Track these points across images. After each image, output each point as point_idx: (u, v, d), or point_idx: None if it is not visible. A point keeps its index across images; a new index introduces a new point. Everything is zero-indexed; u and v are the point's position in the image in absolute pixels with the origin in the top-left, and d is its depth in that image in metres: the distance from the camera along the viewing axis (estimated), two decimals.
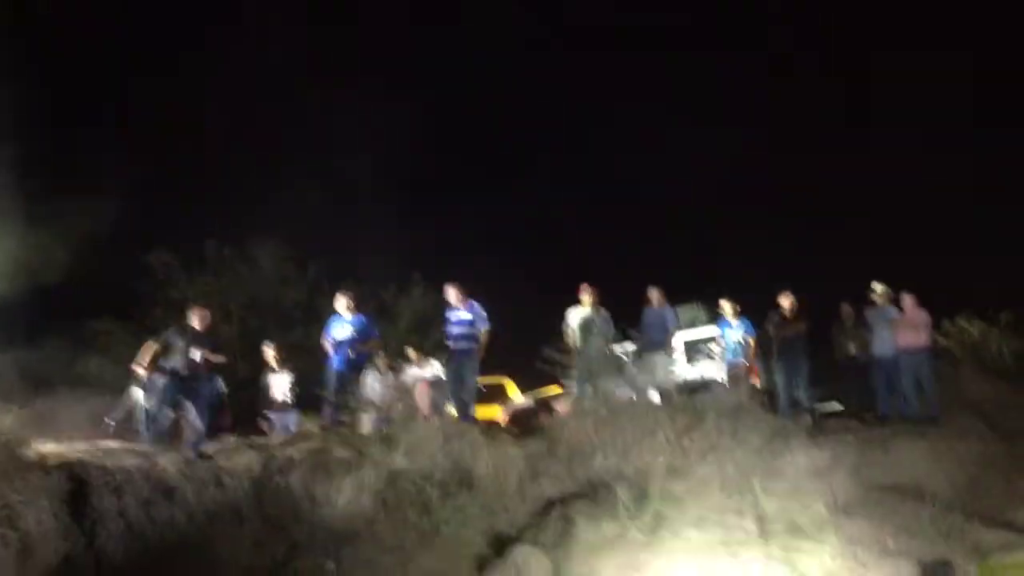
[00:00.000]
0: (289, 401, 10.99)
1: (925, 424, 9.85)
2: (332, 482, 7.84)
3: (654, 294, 11.71)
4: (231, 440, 9.20)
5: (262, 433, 10.48)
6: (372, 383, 11.29)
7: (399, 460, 8.17)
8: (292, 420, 10.89)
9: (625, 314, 11.69)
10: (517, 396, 15.24)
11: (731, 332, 11.82)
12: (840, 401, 12.10)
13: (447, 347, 10.58)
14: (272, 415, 10.97)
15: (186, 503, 7.21)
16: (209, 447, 8.56)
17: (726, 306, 11.85)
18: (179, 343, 8.96)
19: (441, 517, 7.58)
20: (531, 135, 52.37)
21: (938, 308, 11.23)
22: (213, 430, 9.34)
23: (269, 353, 11.29)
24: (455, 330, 10.37)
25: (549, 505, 8.03)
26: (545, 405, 12.98)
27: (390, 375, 11.68)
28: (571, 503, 7.91)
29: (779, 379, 10.88)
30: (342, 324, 10.19)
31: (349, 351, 9.96)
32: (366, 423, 10.49)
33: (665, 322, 11.60)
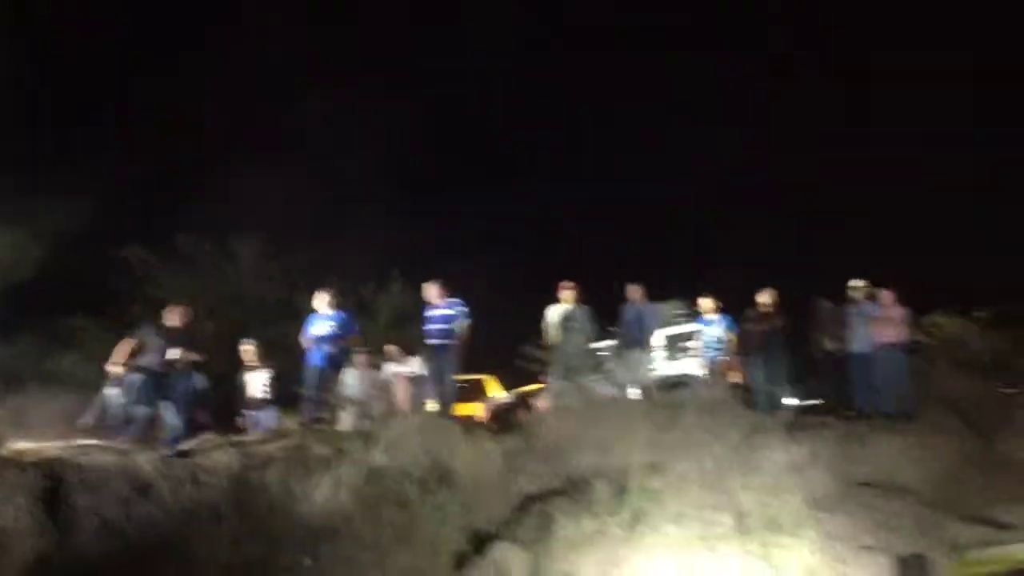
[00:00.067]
0: (267, 398, 10.95)
1: (902, 420, 9.90)
2: (310, 479, 7.81)
3: (634, 291, 11.72)
4: (209, 438, 9.14)
5: (240, 431, 10.42)
6: (352, 380, 11.27)
7: (378, 457, 8.15)
8: (270, 417, 10.84)
9: (612, 311, 11.73)
10: (497, 393, 15.22)
11: (710, 329, 11.84)
12: (818, 397, 12.15)
13: (427, 344, 10.56)
14: (250, 413, 10.92)
15: (163, 501, 7.17)
16: (186, 445, 8.51)
17: (705, 303, 11.87)
18: (154, 341, 8.90)
19: (420, 514, 7.57)
20: (528, 134, 52.55)
21: (916, 304, 11.29)
22: (191, 427, 9.28)
23: (247, 351, 11.23)
24: (435, 327, 10.35)
25: (528, 502, 8.03)
26: (525, 402, 12.97)
27: (370, 372, 11.65)
28: (550, 500, 7.92)
29: (757, 375, 10.92)
30: (322, 321, 10.14)
31: (329, 347, 9.90)
32: (346, 420, 10.46)
33: (645, 319, 11.61)
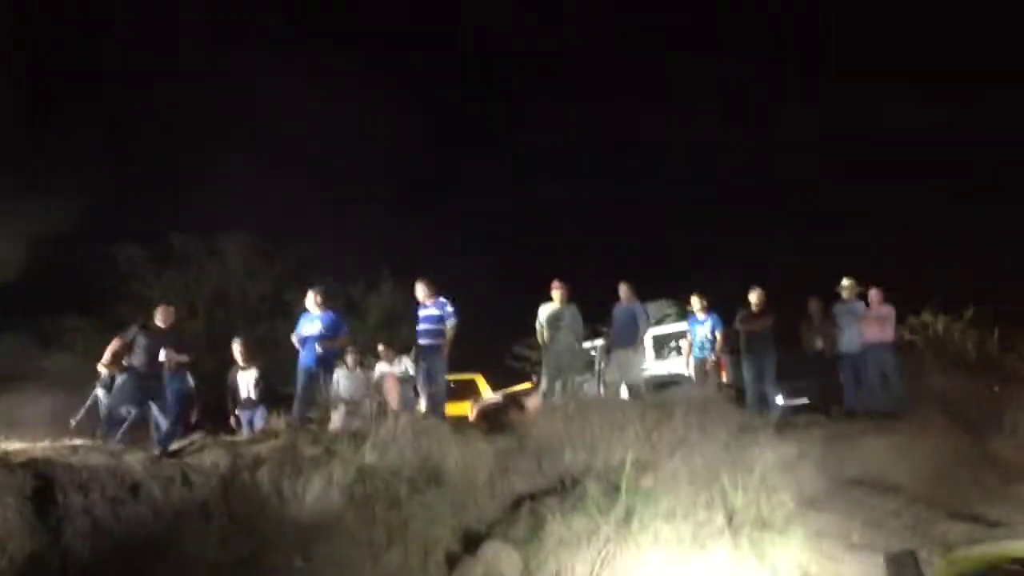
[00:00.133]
0: (255, 397, 10.92)
1: (891, 418, 9.95)
2: (300, 478, 7.79)
3: (624, 290, 11.73)
4: (199, 437, 9.12)
5: (231, 431, 10.40)
6: (343, 380, 11.26)
7: (368, 456, 8.13)
8: (259, 416, 10.81)
9: (604, 311, 11.75)
10: (488, 392, 15.24)
11: (700, 328, 11.87)
12: (808, 396, 12.20)
13: (417, 344, 10.54)
14: (240, 412, 10.90)
15: (153, 500, 7.13)
16: (176, 444, 8.49)
17: (695, 301, 11.91)
18: (142, 341, 8.87)
19: (410, 513, 7.55)
20: (526, 134, 52.57)
21: (905, 303, 11.36)
22: (181, 427, 9.26)
23: (237, 349, 11.18)
24: (423, 326, 10.34)
25: (519, 501, 8.03)
26: (515, 401, 12.98)
27: (359, 371, 11.64)
28: (541, 499, 7.91)
29: (747, 374, 10.96)
30: (311, 320, 10.12)
31: (317, 347, 9.87)
32: (336, 420, 10.44)
33: (635, 318, 11.63)
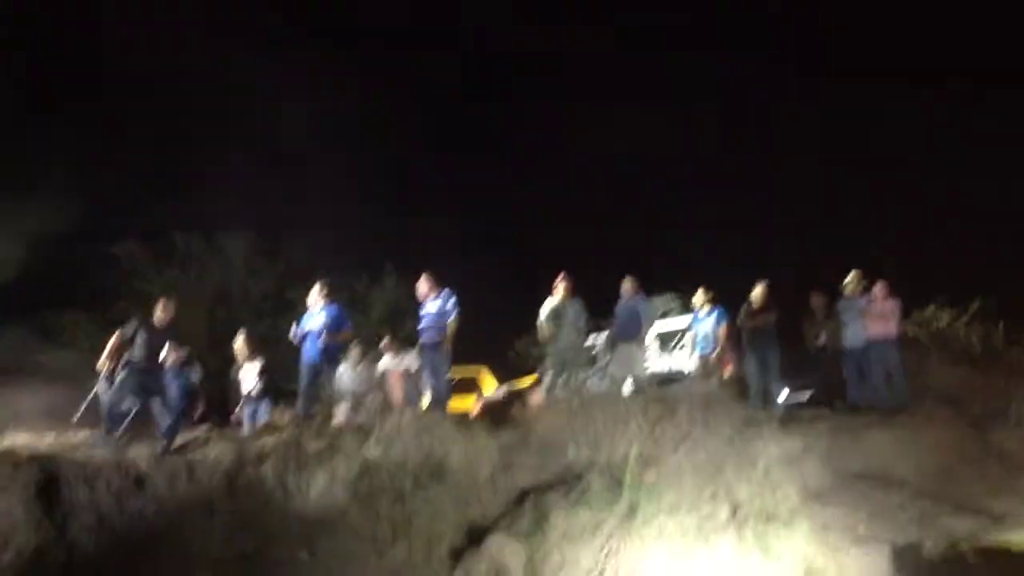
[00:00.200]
0: (261, 386, 10.87)
1: (895, 412, 9.92)
2: (305, 473, 7.80)
3: (627, 285, 11.69)
4: (203, 432, 9.12)
5: (236, 426, 10.39)
6: (346, 374, 11.25)
7: (372, 451, 8.14)
8: (262, 410, 10.77)
9: (608, 306, 11.72)
10: (491, 387, 15.22)
11: (703, 323, 11.85)
12: (812, 390, 12.17)
13: (421, 339, 10.52)
14: (242, 408, 10.88)
15: (157, 495, 7.16)
16: (180, 439, 8.49)
17: (699, 296, 11.88)
18: (141, 336, 8.86)
19: (414, 508, 7.56)
20: (526, 133, 52.49)
21: (909, 297, 11.32)
22: (185, 421, 9.26)
23: (240, 345, 11.14)
24: (425, 321, 10.33)
25: (523, 495, 8.02)
26: (519, 396, 12.96)
27: (363, 366, 11.62)
28: (545, 493, 7.90)
29: (750, 368, 10.93)
30: (315, 315, 10.10)
31: (321, 341, 9.85)
32: (339, 414, 10.43)
33: (638, 313, 11.59)
